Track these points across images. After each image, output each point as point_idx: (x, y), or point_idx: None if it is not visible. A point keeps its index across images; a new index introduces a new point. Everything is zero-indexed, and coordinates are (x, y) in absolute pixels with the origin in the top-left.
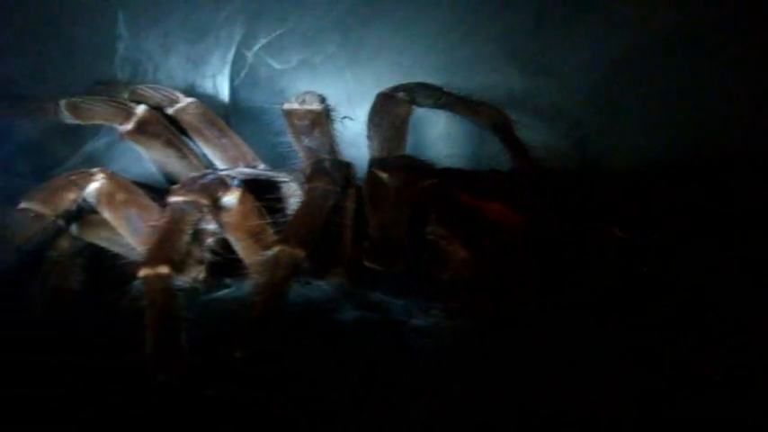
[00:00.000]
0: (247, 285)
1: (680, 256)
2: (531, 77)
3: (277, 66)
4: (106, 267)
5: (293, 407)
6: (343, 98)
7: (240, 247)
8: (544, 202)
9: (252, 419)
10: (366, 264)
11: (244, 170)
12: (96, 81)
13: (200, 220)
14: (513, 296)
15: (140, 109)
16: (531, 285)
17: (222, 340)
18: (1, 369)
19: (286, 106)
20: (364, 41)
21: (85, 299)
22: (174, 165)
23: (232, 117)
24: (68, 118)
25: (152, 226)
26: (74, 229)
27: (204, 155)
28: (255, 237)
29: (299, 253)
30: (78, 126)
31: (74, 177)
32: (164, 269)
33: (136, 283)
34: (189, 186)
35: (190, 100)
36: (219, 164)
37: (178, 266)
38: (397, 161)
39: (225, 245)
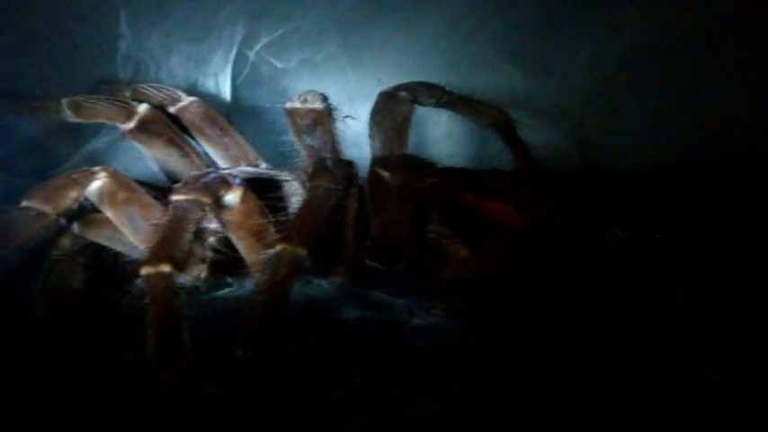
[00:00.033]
0: (249, 284)
1: (680, 256)
2: (532, 77)
3: (279, 65)
4: (108, 266)
5: (295, 406)
6: (345, 97)
7: (242, 245)
8: (546, 202)
9: (254, 418)
10: (368, 263)
11: (246, 169)
12: (98, 80)
13: (202, 218)
14: (515, 296)
15: (142, 108)
16: (533, 285)
17: (224, 339)
18: (3, 368)
19: (288, 105)
20: (366, 41)
21: (87, 298)
22: (176, 163)
23: (234, 116)
24: (70, 117)
25: (154, 224)
26: (76, 227)
27: (206, 154)
28: (257, 235)
29: (301, 252)
30: (80, 125)
31: (75, 176)
32: (166, 268)
33: (138, 281)
34: (191, 185)
35: (192, 99)
36: (221, 163)
37: (180, 265)
38: (398, 160)
39: (227, 243)
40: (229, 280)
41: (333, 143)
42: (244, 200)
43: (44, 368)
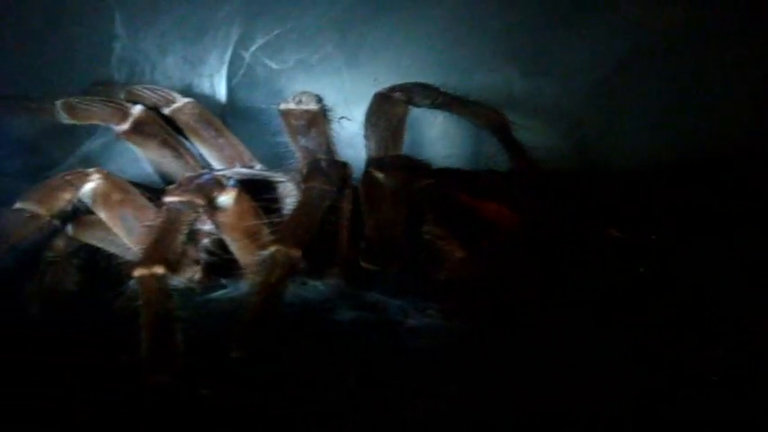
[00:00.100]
0: (243, 286)
1: (678, 256)
2: (530, 78)
3: (274, 66)
4: (102, 268)
5: (290, 407)
6: (341, 98)
7: (236, 247)
8: (541, 203)
9: (248, 420)
10: (362, 264)
11: (240, 170)
12: (93, 81)
13: (195, 220)
14: (510, 296)
15: (137, 109)
16: (528, 285)
17: (218, 341)
18: None
19: (282, 106)
20: (362, 41)
21: (81, 299)
22: (171, 165)
23: (229, 117)
24: (64, 118)
25: (147, 226)
26: (69, 229)
27: (201, 155)
28: (251, 237)
29: (295, 253)
30: (75, 126)
31: (69, 177)
32: (159, 269)
33: (131, 283)
34: (184, 186)
35: (186, 100)
36: (216, 164)
37: (173, 266)
38: (393, 161)
39: (221, 245)
40: (224, 281)
41: (327, 144)
42: (237, 201)
43: (38, 369)
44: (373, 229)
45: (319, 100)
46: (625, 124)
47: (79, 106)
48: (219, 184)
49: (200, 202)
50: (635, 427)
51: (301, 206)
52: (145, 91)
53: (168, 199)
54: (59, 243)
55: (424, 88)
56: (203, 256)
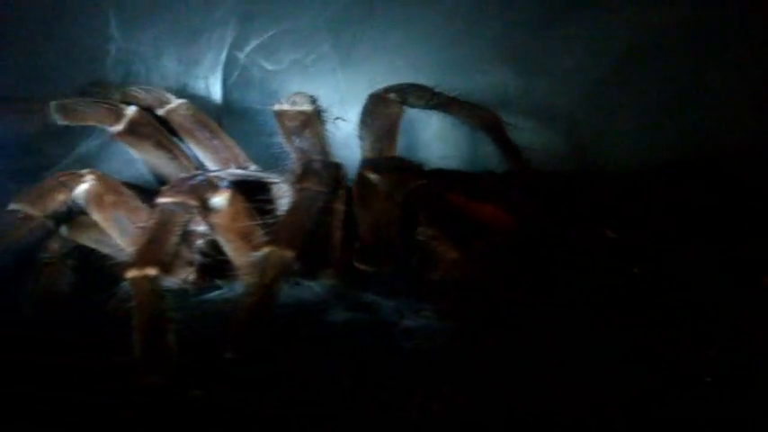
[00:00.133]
0: (237, 286)
1: (674, 257)
2: (526, 78)
3: (269, 67)
4: (96, 268)
5: (284, 408)
6: (336, 99)
7: (230, 248)
8: (535, 203)
9: (242, 421)
10: (356, 265)
11: (234, 171)
12: (88, 82)
13: (189, 221)
14: (504, 297)
15: (131, 110)
16: (522, 286)
17: (212, 341)
18: None
19: (276, 107)
20: (357, 42)
21: (75, 300)
22: (165, 166)
23: (224, 118)
24: (58, 120)
25: (141, 227)
26: (63, 230)
27: (195, 156)
28: (245, 238)
29: (289, 254)
30: (71, 127)
31: (63, 179)
32: (152, 270)
33: (124, 284)
34: (178, 187)
35: (181, 101)
36: (210, 165)
37: (166, 267)
38: (386, 162)
39: (215, 246)
40: (217, 282)
41: (322, 145)
42: (231, 202)
43: (31, 370)
44: (367, 229)
45: (313, 101)
46: (622, 125)
47: (73, 107)
48: (213, 186)
49: (193, 203)
50: (629, 427)
51: (295, 207)
52: (139, 92)
53: (161, 200)
54: (54, 244)
55: (419, 89)
56: (197, 257)
